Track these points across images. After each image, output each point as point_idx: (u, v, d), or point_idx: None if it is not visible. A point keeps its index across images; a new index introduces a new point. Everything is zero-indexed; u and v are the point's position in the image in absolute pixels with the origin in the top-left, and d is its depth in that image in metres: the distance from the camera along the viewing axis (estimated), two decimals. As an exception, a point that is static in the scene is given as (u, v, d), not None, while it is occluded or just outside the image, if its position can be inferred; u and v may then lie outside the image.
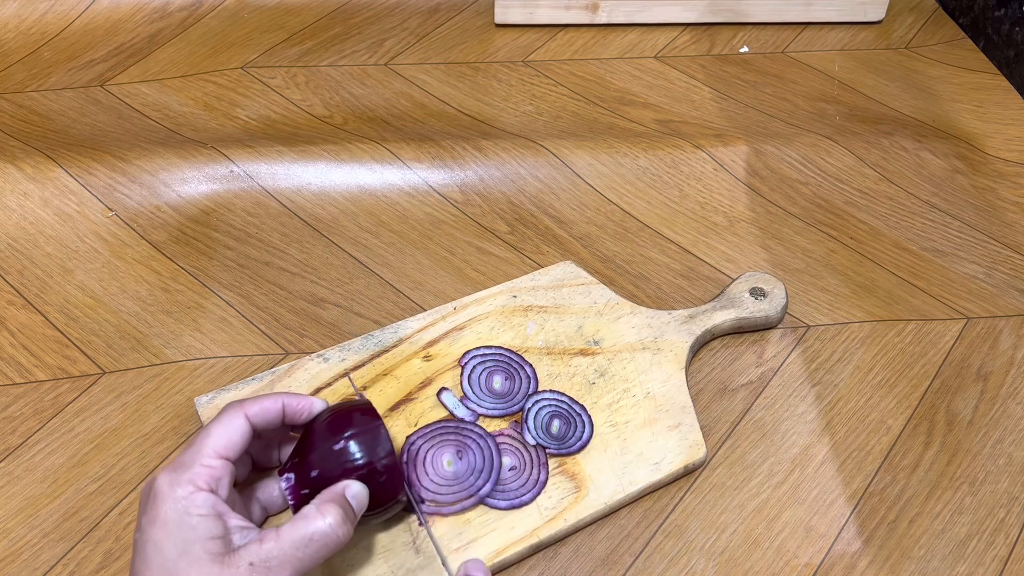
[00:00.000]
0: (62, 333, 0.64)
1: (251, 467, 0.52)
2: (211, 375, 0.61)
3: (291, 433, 0.53)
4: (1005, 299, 0.69)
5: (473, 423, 0.57)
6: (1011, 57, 0.88)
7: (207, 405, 0.57)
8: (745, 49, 0.91)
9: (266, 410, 0.48)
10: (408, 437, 0.56)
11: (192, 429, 0.58)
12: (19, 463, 0.57)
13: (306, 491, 0.48)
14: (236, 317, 0.65)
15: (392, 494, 0.49)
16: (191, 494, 0.43)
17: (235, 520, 0.44)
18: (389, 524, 0.52)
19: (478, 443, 0.56)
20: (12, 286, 0.66)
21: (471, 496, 0.53)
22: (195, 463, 0.45)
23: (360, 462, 0.48)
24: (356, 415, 0.50)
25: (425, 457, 0.55)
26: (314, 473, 0.48)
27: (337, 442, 0.48)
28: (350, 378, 0.59)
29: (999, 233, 0.74)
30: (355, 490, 0.47)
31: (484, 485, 0.54)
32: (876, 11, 0.94)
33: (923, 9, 0.97)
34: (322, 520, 0.44)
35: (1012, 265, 0.71)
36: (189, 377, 0.61)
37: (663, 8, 0.91)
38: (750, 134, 0.79)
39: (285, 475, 0.48)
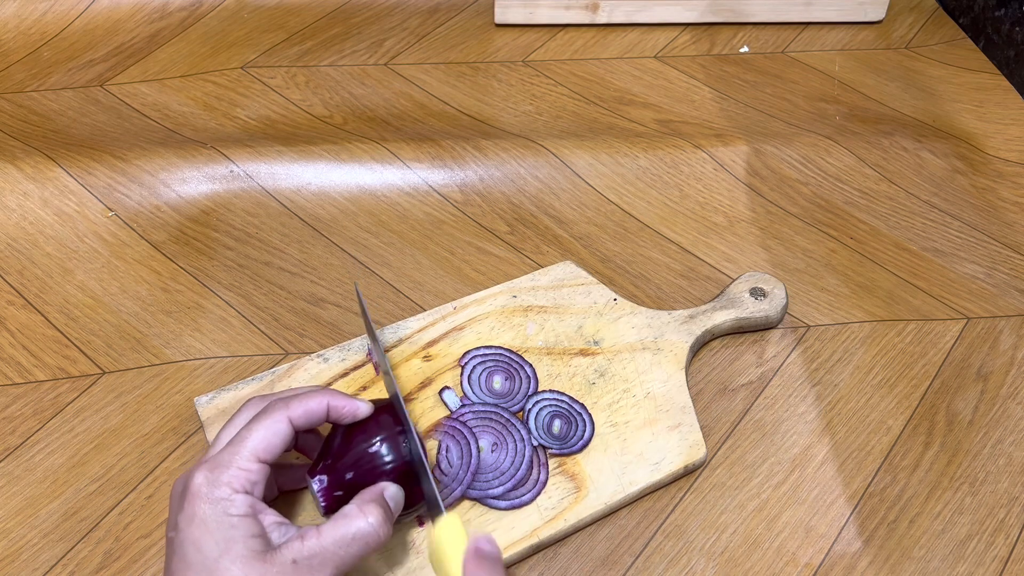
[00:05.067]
0: (62, 333, 0.64)
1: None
2: (211, 375, 0.61)
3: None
4: (1005, 299, 0.69)
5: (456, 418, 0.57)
6: (1011, 57, 0.88)
7: (207, 405, 0.57)
8: (745, 49, 0.91)
9: (310, 412, 0.47)
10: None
11: (192, 429, 0.58)
12: (19, 463, 0.57)
13: (339, 493, 0.48)
14: (236, 317, 0.65)
15: (421, 495, 0.49)
16: (229, 496, 0.43)
17: (272, 517, 0.44)
18: (389, 524, 0.52)
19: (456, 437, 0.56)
20: (12, 286, 0.66)
21: (454, 489, 0.54)
22: (232, 464, 0.44)
23: (393, 465, 0.48)
24: (386, 417, 0.50)
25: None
26: (349, 475, 0.48)
27: (371, 444, 0.48)
28: (375, 362, 0.59)
29: (999, 233, 0.74)
30: (392, 491, 0.47)
31: (465, 476, 0.54)
32: (876, 11, 0.94)
33: (923, 9, 0.97)
34: (364, 519, 0.45)
35: (1012, 265, 0.71)
36: (189, 377, 0.61)
37: (663, 8, 0.91)
38: (750, 134, 0.79)
39: (317, 476, 0.48)
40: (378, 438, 0.48)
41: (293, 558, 0.43)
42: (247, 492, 0.44)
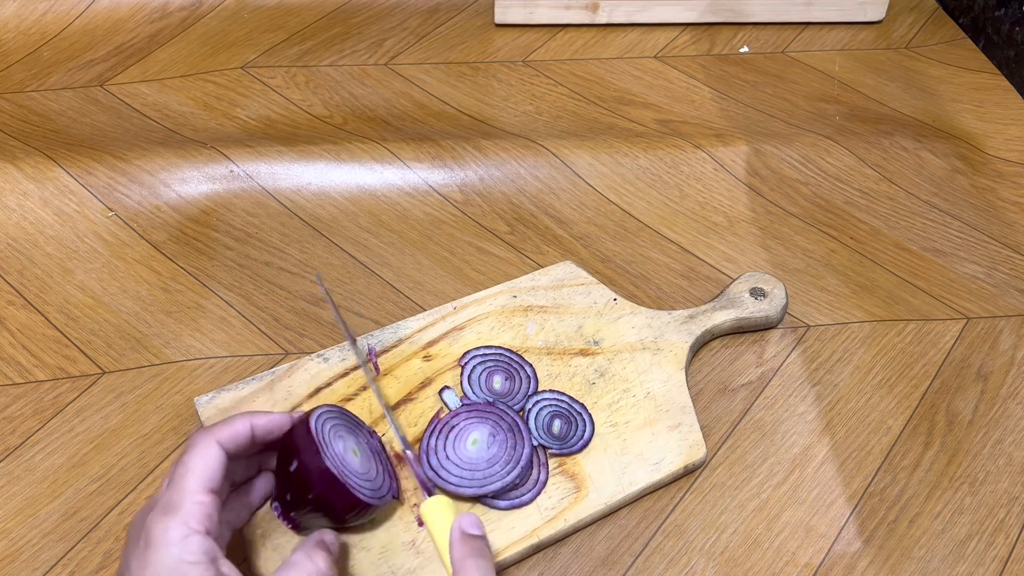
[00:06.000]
0: (62, 333, 0.64)
1: (229, 489, 0.51)
2: (211, 375, 0.61)
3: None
4: (1005, 299, 0.69)
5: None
6: (1011, 57, 0.88)
7: (207, 405, 0.57)
8: (745, 49, 0.91)
9: (237, 435, 0.47)
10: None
11: (192, 429, 0.58)
12: (19, 463, 0.57)
13: (293, 513, 0.49)
14: (236, 317, 0.65)
15: (346, 499, 0.49)
16: (186, 537, 0.42)
17: (225, 567, 0.44)
18: (389, 524, 0.52)
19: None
20: (12, 286, 0.66)
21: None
22: (184, 502, 0.43)
23: (316, 478, 0.48)
24: (300, 431, 0.49)
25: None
26: (288, 497, 0.49)
27: (292, 464, 0.49)
28: (372, 355, 0.59)
29: (999, 233, 0.74)
30: (329, 537, 0.48)
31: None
32: (876, 11, 0.94)
33: (923, 9, 0.97)
34: (312, 565, 0.45)
35: (1012, 265, 0.71)
36: (189, 377, 0.61)
37: (663, 8, 0.91)
38: (750, 134, 0.79)
39: (274, 503, 0.49)
40: (295, 457, 0.49)
41: None
42: (205, 531, 0.43)
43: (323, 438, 0.49)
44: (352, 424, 0.53)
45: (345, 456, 0.50)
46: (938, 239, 0.73)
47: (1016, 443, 0.60)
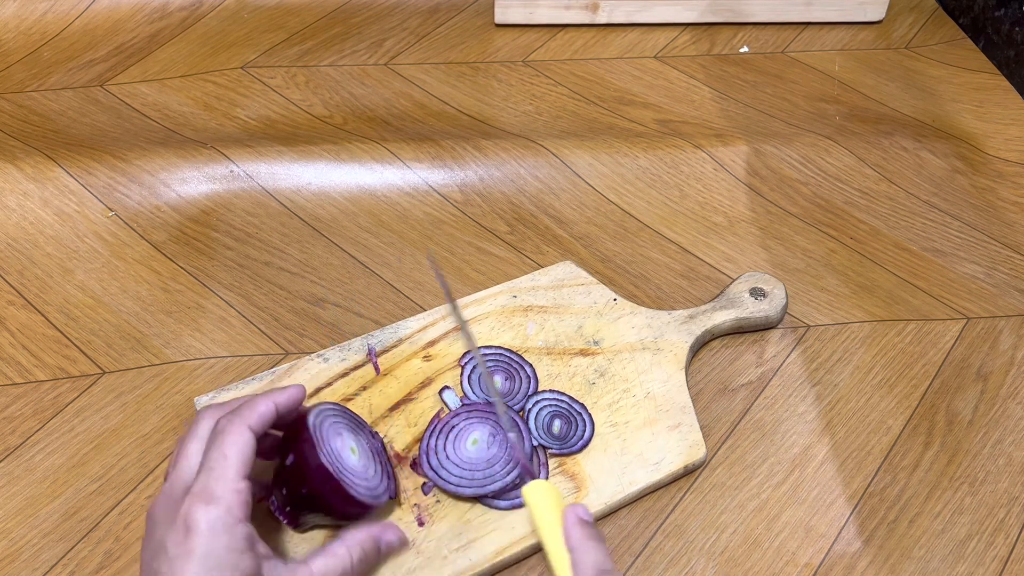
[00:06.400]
0: (62, 333, 0.64)
1: None
2: (211, 375, 0.61)
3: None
4: (1005, 299, 0.69)
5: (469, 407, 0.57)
6: (1011, 57, 0.88)
7: (207, 405, 0.57)
8: (745, 49, 0.91)
9: (263, 418, 0.47)
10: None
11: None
12: (19, 463, 0.57)
13: (289, 508, 0.49)
14: (236, 317, 0.65)
15: (340, 496, 0.49)
16: (232, 526, 0.42)
17: (263, 548, 0.44)
18: (389, 524, 0.52)
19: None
20: (12, 286, 0.66)
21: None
22: (226, 491, 0.43)
23: (311, 473, 0.48)
24: (296, 426, 0.49)
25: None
26: (284, 491, 0.49)
27: (288, 457, 0.49)
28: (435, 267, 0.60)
29: (999, 233, 0.74)
30: (391, 539, 0.48)
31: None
32: (876, 11, 0.94)
33: (923, 9, 0.97)
34: (349, 559, 0.45)
35: (1012, 265, 0.71)
36: (189, 377, 0.61)
37: (663, 8, 0.91)
38: (750, 134, 0.79)
39: (271, 498, 0.49)
40: (292, 453, 0.49)
41: None
42: (246, 518, 0.43)
43: (320, 434, 0.49)
44: (353, 423, 0.53)
45: (342, 453, 0.50)
46: (938, 239, 0.73)
47: (1016, 443, 0.60)
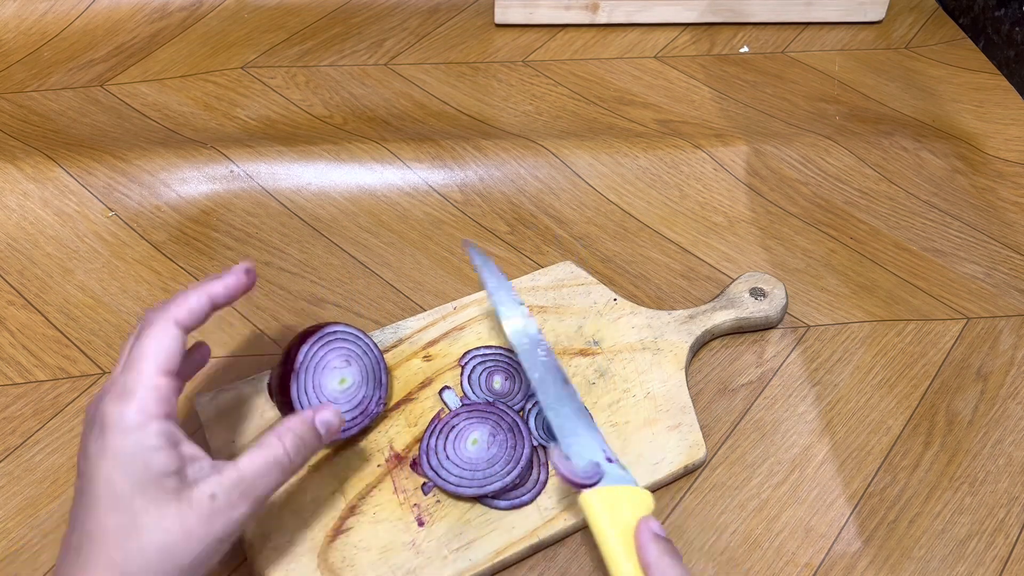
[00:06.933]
0: (62, 333, 0.64)
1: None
2: (211, 375, 0.61)
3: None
4: (1005, 299, 0.69)
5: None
6: (1011, 57, 0.88)
7: (207, 405, 0.57)
8: (745, 49, 0.91)
9: (194, 312, 0.45)
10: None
11: (192, 429, 0.58)
12: (19, 463, 0.57)
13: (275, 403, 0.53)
14: (236, 317, 0.65)
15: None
16: (144, 423, 0.41)
17: (188, 448, 0.43)
18: (389, 524, 0.52)
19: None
20: (12, 286, 0.66)
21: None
22: (140, 386, 0.42)
23: (279, 390, 0.51)
24: (296, 342, 0.52)
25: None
26: (271, 390, 0.52)
27: (278, 365, 0.52)
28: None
29: (999, 233, 0.74)
30: (326, 416, 0.47)
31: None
32: (876, 11, 0.94)
33: (923, 9, 0.97)
34: (280, 446, 0.44)
35: (1012, 265, 0.71)
36: (189, 377, 0.61)
37: (663, 8, 0.91)
38: (750, 134, 0.79)
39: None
40: (281, 366, 0.51)
41: (212, 492, 0.41)
42: (164, 415, 0.42)
43: (307, 364, 0.50)
44: (358, 349, 0.54)
45: (325, 385, 0.51)
46: (938, 239, 0.73)
47: (1016, 443, 0.60)
